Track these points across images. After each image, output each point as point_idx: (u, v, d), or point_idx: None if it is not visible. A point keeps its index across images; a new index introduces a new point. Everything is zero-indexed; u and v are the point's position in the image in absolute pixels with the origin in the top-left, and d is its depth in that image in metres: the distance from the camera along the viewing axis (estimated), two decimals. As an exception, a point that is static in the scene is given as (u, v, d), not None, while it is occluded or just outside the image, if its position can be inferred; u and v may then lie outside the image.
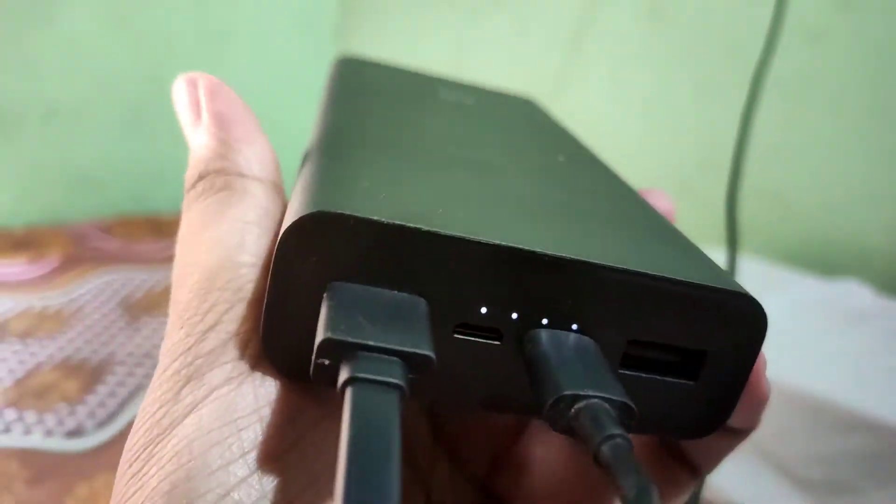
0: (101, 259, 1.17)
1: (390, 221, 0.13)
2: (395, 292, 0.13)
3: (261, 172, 0.17)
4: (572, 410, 0.13)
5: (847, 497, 0.56)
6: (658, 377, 0.15)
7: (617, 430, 0.12)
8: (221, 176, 0.17)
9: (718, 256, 0.62)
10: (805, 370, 0.60)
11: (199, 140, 0.18)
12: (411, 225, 0.13)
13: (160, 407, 0.13)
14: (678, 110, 0.99)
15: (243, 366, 0.14)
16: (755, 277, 0.75)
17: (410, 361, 0.12)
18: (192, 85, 0.19)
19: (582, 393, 0.13)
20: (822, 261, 0.81)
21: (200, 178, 0.17)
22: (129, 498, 0.13)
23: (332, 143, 0.18)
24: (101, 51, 1.37)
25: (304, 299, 0.13)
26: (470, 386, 0.15)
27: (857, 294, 0.71)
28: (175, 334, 0.14)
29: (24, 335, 0.92)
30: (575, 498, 0.18)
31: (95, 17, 1.35)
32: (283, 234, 0.13)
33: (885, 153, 0.78)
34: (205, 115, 0.18)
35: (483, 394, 0.15)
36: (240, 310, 0.14)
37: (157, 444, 0.13)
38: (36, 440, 0.73)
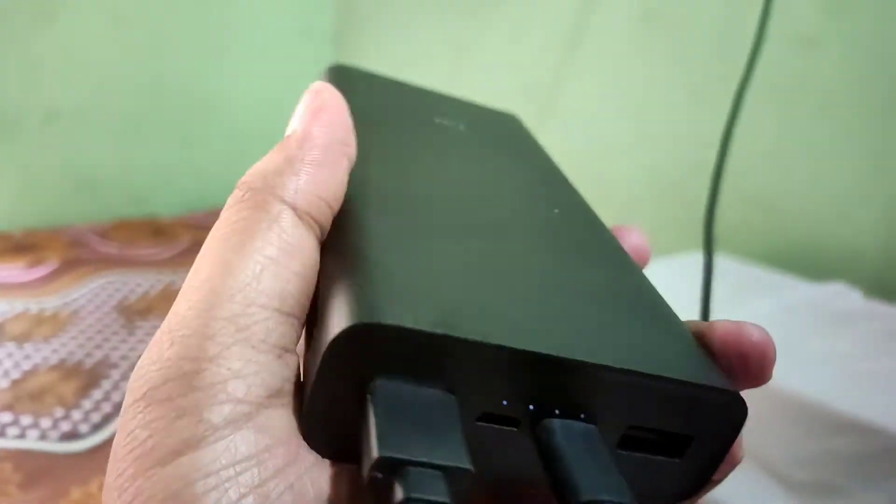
0: (99, 263, 1.17)
1: (423, 330, 0.14)
2: (430, 389, 0.15)
3: (303, 204, 0.16)
4: None
5: (834, 498, 0.56)
6: (649, 456, 0.17)
7: None
8: (261, 194, 0.16)
9: (700, 259, 0.62)
10: (793, 372, 0.60)
11: (275, 149, 0.17)
12: (440, 332, 0.14)
13: (151, 436, 0.12)
14: (670, 112, 0.99)
15: (243, 409, 0.13)
16: (743, 280, 0.75)
17: (452, 475, 0.14)
18: (314, 95, 0.18)
19: (598, 499, 0.14)
20: (811, 264, 0.81)
21: (246, 186, 0.16)
22: None
23: (353, 219, 0.19)
24: (101, 56, 1.38)
25: (347, 393, 0.14)
26: (487, 467, 0.16)
27: (845, 297, 0.71)
28: (165, 349, 0.13)
29: (21, 338, 0.92)
30: None
31: (96, 22, 1.35)
32: (330, 344, 0.14)
33: (874, 157, 0.78)
34: (297, 128, 0.17)
35: (498, 474, 0.17)
36: (244, 351, 0.13)
37: (149, 477, 0.12)
38: (30, 443, 0.74)
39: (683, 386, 0.16)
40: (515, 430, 0.16)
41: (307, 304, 0.15)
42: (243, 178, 0.16)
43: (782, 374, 0.58)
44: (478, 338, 0.15)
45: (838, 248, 0.82)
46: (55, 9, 1.30)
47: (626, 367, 0.16)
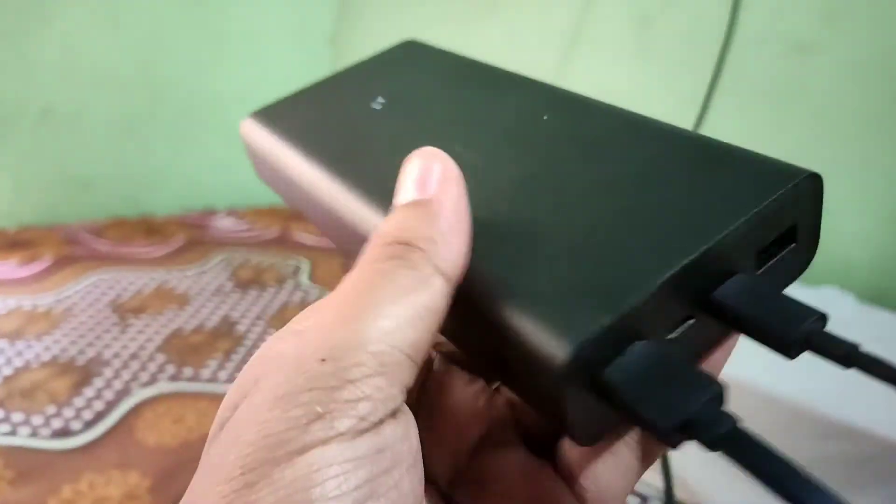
0: (93, 260, 1.17)
1: (612, 320, 0.16)
2: (639, 348, 0.17)
3: (451, 273, 0.18)
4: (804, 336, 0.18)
5: (824, 503, 0.56)
6: (779, 257, 0.20)
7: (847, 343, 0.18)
8: (418, 252, 0.17)
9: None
10: (784, 377, 0.60)
11: (415, 210, 0.18)
12: (621, 311, 0.16)
13: (289, 429, 0.14)
14: (667, 119, 0.99)
15: (366, 424, 0.15)
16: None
17: (714, 399, 0.16)
18: (431, 159, 0.19)
19: (802, 330, 0.18)
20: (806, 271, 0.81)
21: (397, 241, 0.17)
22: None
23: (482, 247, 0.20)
24: (97, 54, 1.38)
25: (590, 398, 0.17)
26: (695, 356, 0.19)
27: (838, 302, 0.72)
28: (312, 364, 0.15)
29: (14, 335, 0.92)
30: None
31: (93, 20, 1.35)
32: (557, 375, 0.16)
33: (867, 165, 0.79)
34: (433, 194, 0.19)
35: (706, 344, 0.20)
36: (379, 382, 0.15)
37: (278, 464, 0.14)
38: (22, 440, 0.74)
39: (767, 206, 0.19)
40: (694, 320, 0.18)
41: (426, 353, 0.17)
42: (384, 232, 0.18)
43: (774, 379, 0.59)
44: (638, 297, 0.17)
45: (831, 255, 0.82)
46: (52, 7, 1.30)
47: (726, 230, 0.18)
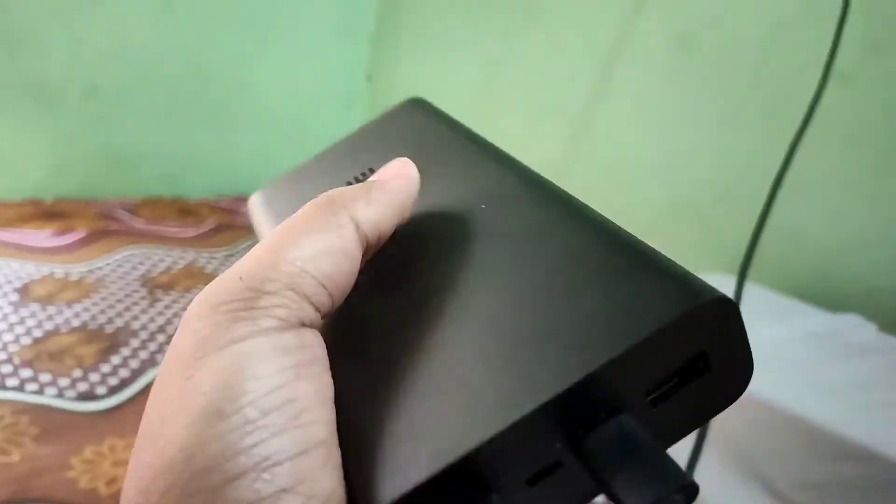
0: (126, 235, 1.19)
1: (429, 476, 0.16)
2: None
3: (365, 226, 0.21)
4: None
5: (835, 524, 0.56)
6: (685, 389, 0.17)
7: None
8: (339, 205, 0.20)
9: (727, 283, 0.63)
10: (804, 397, 0.60)
11: (356, 187, 0.22)
12: (439, 467, 0.16)
13: (213, 331, 0.17)
14: (699, 138, 1.00)
15: (285, 324, 0.17)
16: (760, 305, 0.76)
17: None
18: (402, 164, 0.23)
19: (668, 494, 0.15)
20: (828, 296, 0.82)
21: (327, 197, 0.21)
22: (186, 394, 0.16)
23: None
24: (146, 37, 1.41)
25: None
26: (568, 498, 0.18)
27: (860, 328, 0.72)
28: (234, 282, 0.18)
29: (45, 300, 0.94)
30: None
31: (143, 4, 1.38)
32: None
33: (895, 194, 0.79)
34: (379, 176, 0.23)
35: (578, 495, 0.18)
36: (291, 294, 0.18)
37: (212, 355, 0.16)
38: (48, 399, 0.75)
39: (662, 332, 0.16)
40: (563, 467, 0.17)
41: (344, 293, 0.20)
42: (326, 192, 0.21)
43: (793, 398, 0.59)
44: (469, 446, 0.16)
45: (856, 282, 0.82)
46: (104, -12, 1.33)
47: (598, 364, 0.16)
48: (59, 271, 1.03)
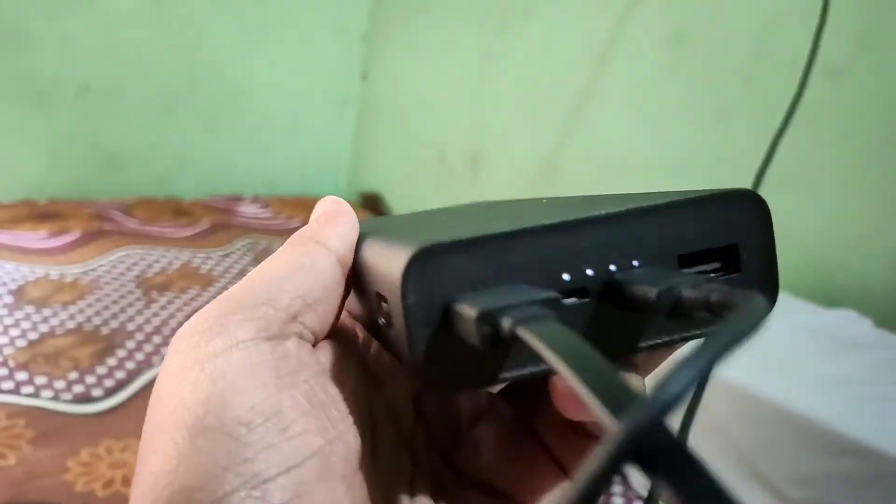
0: (120, 236, 1.19)
1: (471, 237, 0.17)
2: (500, 286, 0.17)
3: (333, 244, 0.21)
4: (675, 296, 0.16)
5: (830, 519, 0.57)
6: (712, 279, 0.18)
7: (714, 284, 0.15)
8: (302, 240, 0.21)
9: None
10: (799, 393, 0.60)
11: (305, 226, 0.23)
12: (478, 234, 0.17)
13: (193, 349, 0.17)
14: (694, 133, 1.00)
15: (264, 334, 0.18)
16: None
17: (546, 305, 0.15)
18: (322, 202, 0.24)
19: (671, 283, 0.16)
20: (825, 291, 0.82)
21: (290, 242, 0.22)
22: (170, 410, 0.16)
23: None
24: (137, 35, 1.40)
25: (438, 319, 0.16)
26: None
27: (855, 324, 0.72)
28: (211, 307, 0.18)
29: (40, 302, 0.94)
30: (515, 475, 0.22)
31: (134, 3, 1.38)
32: (402, 273, 0.16)
33: (893, 189, 0.79)
34: (317, 212, 0.23)
35: (602, 347, 0.17)
36: (268, 309, 0.18)
37: (193, 369, 0.17)
38: (44, 402, 0.75)
39: (698, 203, 0.18)
40: (588, 300, 0.17)
41: (328, 308, 0.20)
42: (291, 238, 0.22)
43: (788, 393, 0.59)
44: (511, 228, 0.17)
45: (850, 277, 0.83)
46: (97, -13, 1.33)
47: (639, 206, 0.18)
48: (54, 273, 1.03)
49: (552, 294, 0.16)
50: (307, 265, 0.20)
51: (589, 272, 0.17)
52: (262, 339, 0.17)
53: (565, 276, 0.17)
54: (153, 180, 1.48)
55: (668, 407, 0.11)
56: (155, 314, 0.95)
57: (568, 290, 0.17)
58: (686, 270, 0.18)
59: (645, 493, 0.66)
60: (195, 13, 1.45)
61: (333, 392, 0.18)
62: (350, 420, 0.18)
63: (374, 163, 1.73)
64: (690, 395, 0.11)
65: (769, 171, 0.75)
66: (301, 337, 0.19)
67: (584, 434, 0.21)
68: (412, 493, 0.21)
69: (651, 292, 0.16)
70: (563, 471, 0.21)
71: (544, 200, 0.26)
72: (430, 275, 0.16)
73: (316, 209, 0.24)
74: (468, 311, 0.15)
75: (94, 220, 1.24)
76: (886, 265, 0.80)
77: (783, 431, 0.60)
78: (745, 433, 0.62)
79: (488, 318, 0.15)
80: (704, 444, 0.63)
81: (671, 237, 0.18)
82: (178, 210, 1.38)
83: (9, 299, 0.93)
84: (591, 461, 0.11)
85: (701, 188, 0.19)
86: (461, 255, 0.16)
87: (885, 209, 0.80)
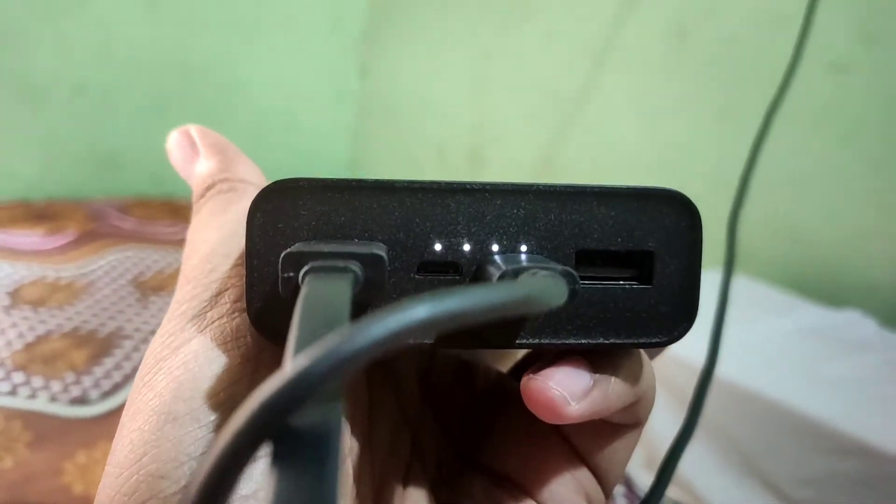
0: (117, 237, 1.18)
1: (337, 179, 0.15)
2: (355, 240, 0.15)
3: (256, 179, 0.21)
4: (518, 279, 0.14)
5: (835, 521, 0.56)
6: (614, 284, 0.16)
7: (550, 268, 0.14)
8: (227, 182, 0.21)
9: (716, 277, 0.62)
10: (802, 393, 0.60)
11: (201, 166, 0.22)
12: (355, 179, 0.15)
13: (170, 335, 0.16)
14: (695, 130, 0.99)
15: (238, 306, 0.17)
16: (759, 300, 0.76)
17: (364, 262, 0.14)
18: (185, 133, 0.24)
19: (519, 266, 0.14)
20: (829, 290, 0.81)
21: (208, 188, 0.21)
22: (142, 398, 0.16)
23: None
24: (133, 35, 1.39)
25: (276, 253, 0.15)
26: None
27: (859, 324, 0.72)
28: (183, 288, 0.18)
29: (37, 303, 0.93)
30: (524, 460, 0.20)
31: (129, 1, 1.37)
32: (251, 205, 0.15)
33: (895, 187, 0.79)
34: (201, 148, 0.23)
35: (472, 335, 0.15)
36: (238, 271, 0.17)
37: (167, 359, 0.16)
38: (40, 404, 0.75)
39: (613, 196, 0.16)
40: (458, 276, 0.16)
41: None
42: (197, 190, 0.22)
43: (792, 394, 0.59)
44: (390, 180, 0.15)
45: (855, 277, 0.82)
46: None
47: (553, 185, 0.16)
48: (51, 274, 1.02)
49: (378, 252, 0.14)
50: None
51: (465, 247, 0.15)
52: (234, 313, 0.17)
53: (437, 247, 0.15)
54: (150, 180, 1.48)
55: (343, 363, 0.09)
56: (153, 315, 0.94)
57: (438, 263, 0.15)
58: (584, 270, 0.16)
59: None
60: (190, 11, 1.44)
61: None
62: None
63: (372, 160, 1.73)
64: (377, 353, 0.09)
65: (768, 167, 0.74)
66: None
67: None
68: (408, 478, 0.20)
69: (495, 274, 0.14)
70: (578, 456, 0.19)
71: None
72: (277, 214, 0.15)
73: (187, 143, 0.23)
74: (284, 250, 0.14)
75: (90, 220, 1.24)
76: (890, 265, 0.79)
77: (786, 432, 0.59)
78: (747, 433, 0.61)
79: (292, 263, 0.13)
80: (706, 444, 0.63)
81: (573, 227, 0.16)
82: (174, 210, 1.37)
83: (6, 301, 0.92)
84: (221, 436, 0.09)
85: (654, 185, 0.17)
86: (320, 197, 0.15)
87: (890, 209, 0.79)
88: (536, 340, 0.16)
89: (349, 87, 1.72)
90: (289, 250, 0.14)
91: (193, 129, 0.24)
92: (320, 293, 0.12)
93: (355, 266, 0.13)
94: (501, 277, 0.14)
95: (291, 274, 0.13)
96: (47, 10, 1.28)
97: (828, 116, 0.84)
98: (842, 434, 0.56)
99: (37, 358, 0.81)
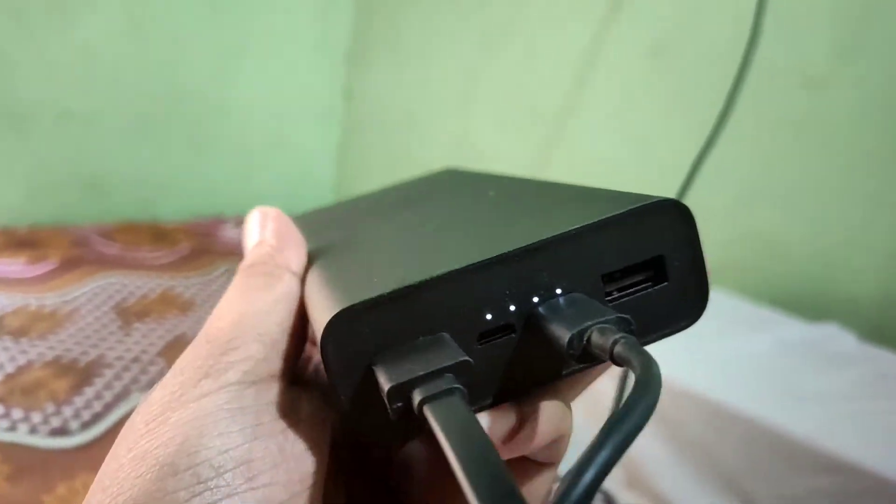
0: (100, 263, 1.18)
1: (383, 293, 0.16)
2: (421, 339, 0.17)
3: (296, 268, 0.23)
4: (584, 341, 0.16)
5: (816, 538, 0.56)
6: (641, 293, 0.18)
7: (620, 334, 0.15)
8: (268, 266, 0.22)
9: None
10: (781, 409, 0.60)
11: (256, 244, 0.24)
12: (396, 287, 0.16)
13: (181, 387, 0.17)
14: (674, 146, 1.00)
15: (252, 377, 0.18)
16: (737, 315, 0.76)
17: (457, 371, 0.16)
18: (264, 214, 0.25)
19: (583, 327, 0.16)
20: (807, 305, 0.82)
21: (253, 264, 0.22)
22: (147, 444, 0.16)
23: (323, 255, 0.23)
24: (117, 59, 1.40)
25: (360, 377, 0.17)
26: (517, 376, 0.18)
27: (838, 338, 0.72)
28: (203, 346, 0.19)
29: (18, 332, 0.93)
30: (449, 495, 0.21)
31: (113, 26, 1.37)
32: (321, 336, 0.16)
33: (876, 201, 0.79)
34: (263, 230, 0.24)
35: (530, 378, 0.18)
36: (259, 346, 0.19)
37: (176, 410, 0.17)
38: (21, 436, 0.74)
39: (618, 221, 0.18)
40: (514, 334, 0.17)
41: (300, 338, 0.21)
42: (245, 262, 0.23)
43: (771, 410, 0.59)
44: (427, 276, 0.17)
45: (835, 291, 0.82)
46: (74, 12, 1.32)
47: (557, 233, 0.17)
48: (34, 302, 1.02)
49: (463, 357, 0.16)
50: (284, 293, 0.20)
51: (511, 308, 0.17)
52: (248, 383, 0.18)
53: (488, 317, 0.17)
54: (136, 204, 1.48)
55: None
56: (135, 342, 0.94)
57: (492, 330, 0.17)
58: (611, 289, 0.18)
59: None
60: (175, 34, 1.45)
61: (311, 442, 0.18)
62: (321, 473, 0.18)
63: (359, 180, 1.73)
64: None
65: (744, 181, 0.75)
66: (287, 378, 0.19)
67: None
68: None
69: (564, 337, 0.16)
70: None
71: (491, 193, 0.25)
72: (349, 336, 0.16)
73: (260, 224, 0.24)
74: (382, 380, 0.16)
75: (73, 247, 1.23)
76: (871, 278, 0.79)
77: (765, 449, 0.59)
78: (726, 451, 0.61)
79: (399, 394, 0.15)
80: (686, 462, 0.62)
81: (593, 259, 0.18)
82: (158, 235, 1.37)
83: (-14, 331, 0.92)
84: None
85: (633, 191, 0.19)
86: (378, 313, 0.17)
87: (868, 222, 0.80)
88: (574, 368, 0.19)
89: (335, 107, 1.73)
90: (392, 384, 0.15)
91: (267, 212, 0.25)
92: (454, 428, 0.14)
93: (453, 379, 0.15)
94: (570, 343, 0.16)
95: (401, 404, 0.15)
96: (30, 34, 1.29)
97: (805, 129, 0.85)
98: (821, 451, 0.56)
99: (17, 389, 0.81)
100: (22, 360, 0.87)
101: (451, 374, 0.15)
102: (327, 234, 0.28)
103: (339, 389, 0.17)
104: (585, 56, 1.11)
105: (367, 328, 0.16)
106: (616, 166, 1.09)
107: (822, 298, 0.83)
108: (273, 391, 0.18)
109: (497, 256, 0.17)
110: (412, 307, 0.17)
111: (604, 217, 0.17)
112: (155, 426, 0.17)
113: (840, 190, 0.82)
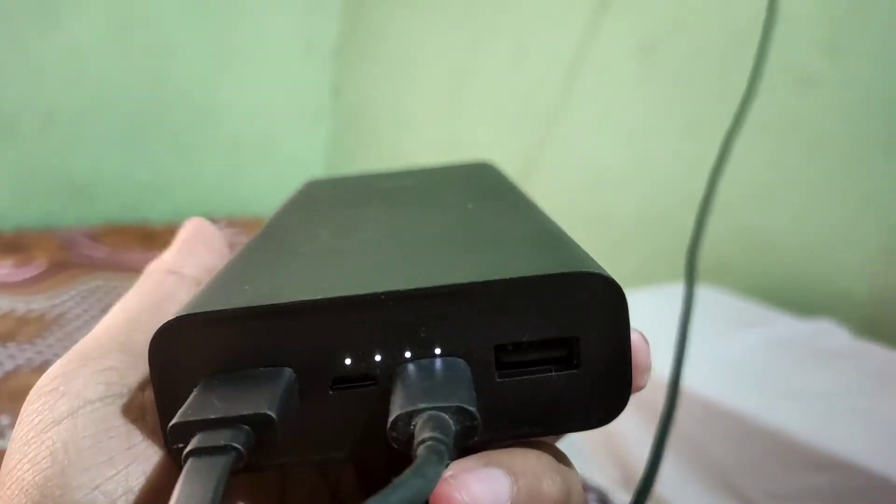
0: (88, 266, 1.17)
1: (225, 308, 0.14)
2: (261, 369, 0.14)
3: (190, 271, 0.22)
4: (411, 427, 0.13)
5: (810, 535, 0.56)
6: (542, 375, 0.15)
7: (431, 434, 0.12)
8: (152, 272, 0.22)
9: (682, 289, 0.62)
10: (774, 406, 0.60)
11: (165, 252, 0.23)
12: (243, 305, 0.14)
13: (37, 416, 0.15)
14: (664, 144, 1.00)
15: (116, 389, 0.16)
16: (729, 312, 0.76)
17: (255, 424, 0.13)
18: (184, 226, 0.25)
19: (416, 408, 0.13)
20: (799, 301, 0.82)
21: (152, 271, 0.22)
22: (6, 494, 0.14)
23: (240, 251, 0.21)
24: (102, 61, 1.38)
25: (184, 392, 0.14)
26: (378, 433, 0.14)
27: (831, 334, 0.72)
28: (63, 360, 0.17)
29: (5, 337, 0.92)
30: None
31: (99, 28, 1.36)
32: (149, 346, 0.15)
33: (865, 198, 0.79)
34: (177, 240, 0.24)
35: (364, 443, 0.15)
36: (124, 356, 0.17)
37: (31, 444, 0.15)
38: (7, 442, 0.73)
39: (528, 285, 0.14)
40: (374, 385, 0.15)
41: None
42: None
43: (763, 407, 0.59)
44: (281, 300, 0.14)
45: (826, 286, 0.82)
46: (61, 14, 1.31)
47: (448, 282, 0.14)
48: (21, 306, 1.00)
49: (265, 412, 0.13)
50: (160, 297, 0.19)
51: (377, 357, 0.15)
52: (112, 397, 0.16)
53: (347, 362, 0.15)
54: (123, 207, 1.46)
55: None
56: (124, 345, 0.93)
57: (350, 377, 0.15)
58: (507, 362, 0.15)
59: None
60: (162, 37, 1.44)
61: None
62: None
63: (349, 180, 1.72)
64: None
65: (736, 178, 0.74)
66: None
67: None
68: None
69: (392, 414, 0.13)
70: None
71: (470, 206, 0.22)
72: (182, 348, 0.14)
73: (178, 235, 0.23)
74: (178, 412, 0.14)
75: (60, 249, 1.22)
76: (861, 274, 0.79)
77: (759, 446, 0.59)
78: (719, 449, 0.61)
79: (180, 435, 0.13)
80: (679, 460, 0.62)
81: (489, 323, 0.14)
82: (146, 236, 1.36)
83: (-26, 336, 0.91)
84: None
85: (579, 249, 0.16)
86: (220, 329, 0.14)
87: (859, 218, 0.80)
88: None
89: (323, 108, 1.72)
90: (173, 422, 0.13)
91: (193, 223, 0.24)
92: (186, 492, 0.12)
93: (242, 436, 0.13)
94: (395, 423, 0.13)
95: (181, 445, 0.13)
96: (16, 36, 1.27)
97: (794, 128, 0.85)
98: (814, 447, 0.56)
99: (4, 395, 0.80)
100: (9, 366, 0.86)
101: (245, 427, 0.13)
102: (309, 215, 0.26)
103: (158, 404, 0.15)
104: (574, 55, 1.11)
105: (205, 343, 0.14)
106: (607, 165, 1.09)
107: (812, 294, 0.83)
108: (143, 404, 0.16)
109: (364, 296, 0.14)
110: (260, 331, 0.14)
111: (509, 276, 0.14)
112: (15, 469, 0.14)
113: (828, 186, 0.83)
